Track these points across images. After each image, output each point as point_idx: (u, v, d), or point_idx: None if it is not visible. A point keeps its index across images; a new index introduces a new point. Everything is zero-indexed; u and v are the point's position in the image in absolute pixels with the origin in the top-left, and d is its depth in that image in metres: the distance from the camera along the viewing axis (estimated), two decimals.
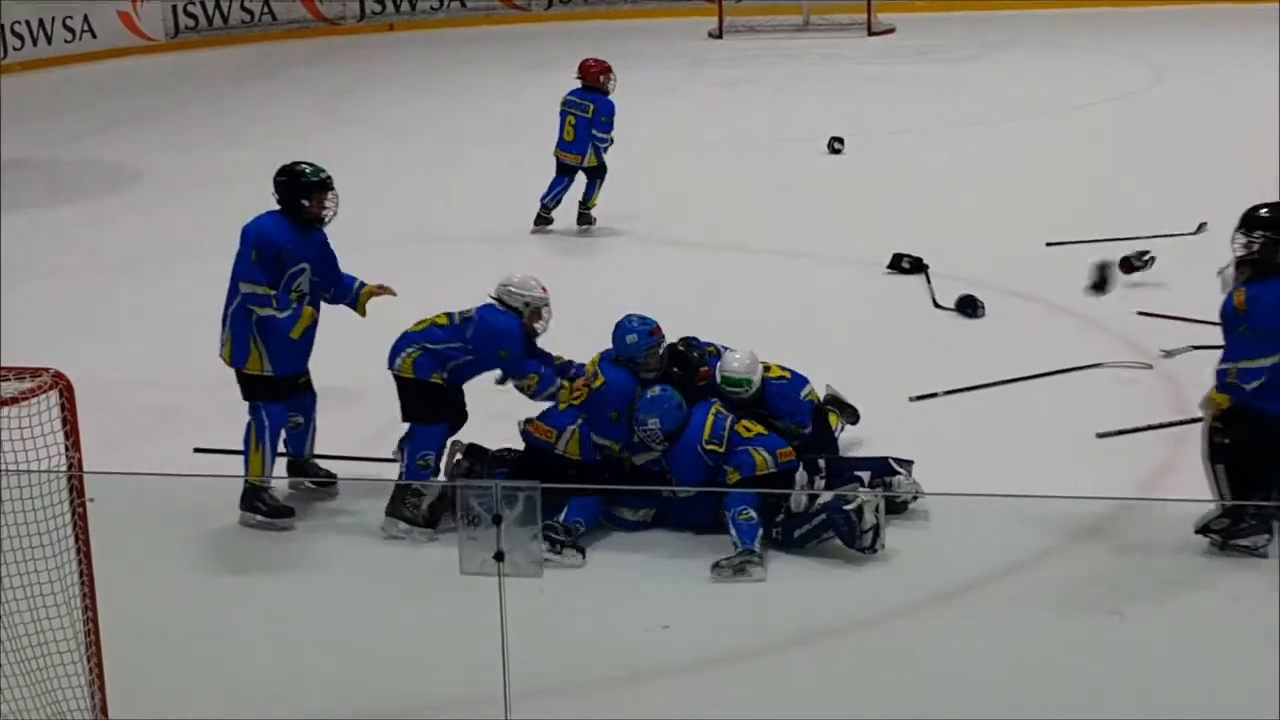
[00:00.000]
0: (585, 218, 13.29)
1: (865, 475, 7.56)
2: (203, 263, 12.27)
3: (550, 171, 13.13)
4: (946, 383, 8.94)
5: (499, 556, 4.21)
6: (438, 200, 14.57)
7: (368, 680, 6.20)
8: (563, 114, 13.09)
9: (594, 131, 12.92)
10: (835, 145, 15.73)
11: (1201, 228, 11.94)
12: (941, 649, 6.33)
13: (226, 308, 7.61)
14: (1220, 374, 6.82)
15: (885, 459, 7.73)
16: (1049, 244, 11.92)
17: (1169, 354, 9.29)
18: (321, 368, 7.89)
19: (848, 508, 7.00)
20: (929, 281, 11.15)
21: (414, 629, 6.65)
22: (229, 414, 8.86)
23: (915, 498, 7.42)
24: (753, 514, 7.07)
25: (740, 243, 12.66)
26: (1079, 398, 8.84)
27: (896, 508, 7.35)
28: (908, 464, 7.71)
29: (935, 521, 7.35)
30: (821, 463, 7.64)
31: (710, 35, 25.27)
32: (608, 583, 7.00)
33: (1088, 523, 7.25)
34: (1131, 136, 16.02)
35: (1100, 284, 9.40)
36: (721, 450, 7.31)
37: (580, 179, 13.20)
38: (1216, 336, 6.95)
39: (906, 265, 11.48)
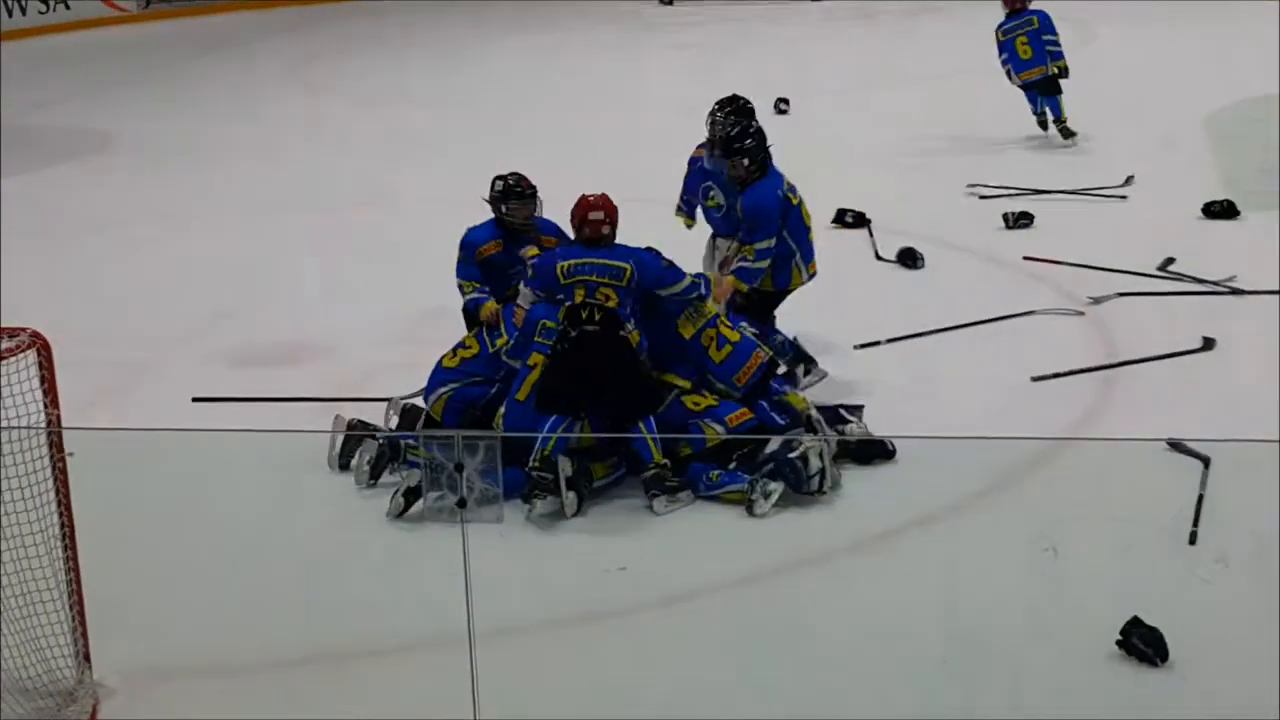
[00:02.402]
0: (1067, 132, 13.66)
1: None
2: (166, 224, 12.22)
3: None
4: (890, 331, 8.92)
5: (461, 503, 4.18)
6: (405, 164, 14.39)
7: (335, 622, 6.13)
8: (1009, 41, 13.61)
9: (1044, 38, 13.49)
10: (781, 106, 15.63)
11: (1129, 181, 12.00)
12: (888, 585, 6.32)
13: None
14: None
15: (835, 408, 7.68)
16: (969, 187, 12.01)
17: (1097, 300, 9.30)
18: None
19: (793, 455, 6.97)
20: (871, 235, 11.11)
21: (381, 573, 6.60)
22: (199, 367, 8.83)
23: (873, 443, 7.32)
24: (716, 472, 7.02)
25: None
26: (1014, 344, 8.83)
27: (860, 455, 7.27)
28: (858, 409, 7.69)
29: (884, 464, 7.29)
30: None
31: (661, 2, 25.21)
32: (571, 525, 6.92)
33: (1023, 461, 7.24)
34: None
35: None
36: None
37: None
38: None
39: (850, 220, 11.44)
